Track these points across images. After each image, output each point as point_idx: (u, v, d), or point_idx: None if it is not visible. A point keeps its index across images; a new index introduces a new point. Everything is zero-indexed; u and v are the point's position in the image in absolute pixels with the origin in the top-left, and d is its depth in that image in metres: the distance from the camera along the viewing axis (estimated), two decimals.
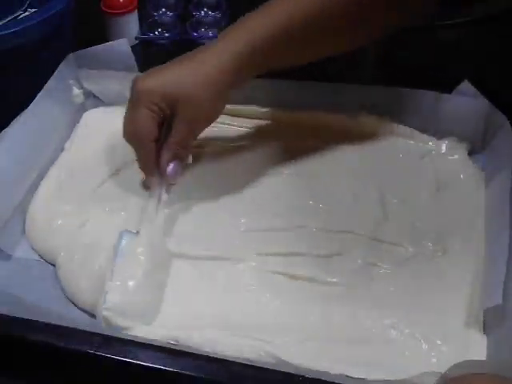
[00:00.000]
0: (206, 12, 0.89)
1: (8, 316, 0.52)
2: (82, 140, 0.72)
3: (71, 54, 0.72)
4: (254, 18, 0.59)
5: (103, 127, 0.72)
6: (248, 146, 0.70)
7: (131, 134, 0.59)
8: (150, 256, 0.56)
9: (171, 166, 0.59)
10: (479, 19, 0.83)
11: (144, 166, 0.61)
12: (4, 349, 0.52)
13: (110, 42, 0.73)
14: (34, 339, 0.50)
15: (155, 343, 0.51)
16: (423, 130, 0.69)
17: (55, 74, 0.70)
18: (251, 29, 0.59)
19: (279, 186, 0.66)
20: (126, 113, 0.60)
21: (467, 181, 0.66)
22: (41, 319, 0.51)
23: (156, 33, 0.87)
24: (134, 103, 0.58)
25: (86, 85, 0.74)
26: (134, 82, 0.59)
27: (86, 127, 0.73)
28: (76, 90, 0.74)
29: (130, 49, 0.72)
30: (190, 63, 0.59)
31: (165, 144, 0.59)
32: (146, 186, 0.64)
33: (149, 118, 0.58)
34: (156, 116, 0.58)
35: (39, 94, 0.67)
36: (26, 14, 0.78)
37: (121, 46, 0.72)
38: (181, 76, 0.58)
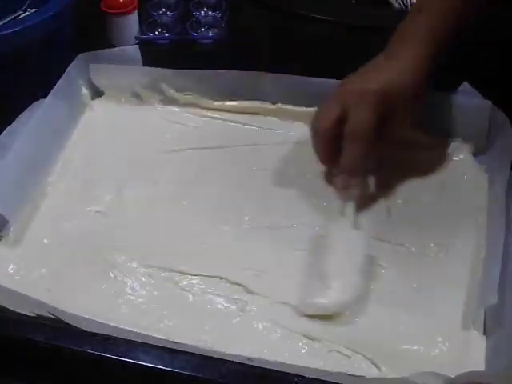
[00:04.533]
0: (205, 12, 0.89)
1: (8, 316, 0.52)
2: (89, 138, 0.72)
3: (81, 55, 0.72)
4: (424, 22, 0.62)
5: (110, 125, 0.73)
6: (251, 144, 0.71)
7: (351, 132, 0.59)
8: None
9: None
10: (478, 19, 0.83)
11: (354, 166, 0.61)
12: (4, 349, 0.52)
13: (120, 47, 0.74)
14: (34, 339, 0.50)
15: (155, 343, 0.51)
16: (427, 130, 0.69)
17: (65, 74, 0.70)
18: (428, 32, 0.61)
19: (282, 185, 0.66)
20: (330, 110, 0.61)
21: (471, 181, 0.66)
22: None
23: (156, 33, 0.87)
24: (356, 103, 0.59)
25: (94, 80, 0.74)
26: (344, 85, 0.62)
27: (93, 125, 0.73)
28: (84, 90, 0.74)
29: (139, 55, 0.74)
30: (388, 64, 0.61)
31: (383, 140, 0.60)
32: (336, 184, 0.63)
33: (373, 118, 0.58)
34: (378, 116, 0.59)
35: (49, 95, 0.68)
36: (26, 13, 0.78)
37: (131, 51, 0.74)
38: (393, 75, 0.60)
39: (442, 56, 0.63)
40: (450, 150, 0.68)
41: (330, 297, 0.55)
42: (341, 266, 0.57)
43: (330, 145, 0.61)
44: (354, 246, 0.59)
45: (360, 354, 0.53)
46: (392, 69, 0.61)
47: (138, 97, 0.75)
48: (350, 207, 0.61)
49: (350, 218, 0.61)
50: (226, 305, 0.56)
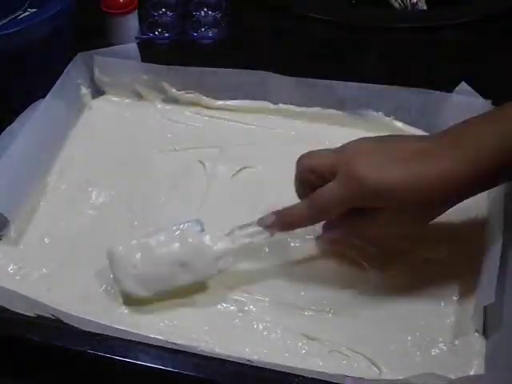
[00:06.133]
0: (205, 12, 0.89)
1: (8, 316, 0.52)
2: (89, 138, 0.72)
3: (79, 55, 0.72)
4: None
5: (110, 125, 0.73)
6: (252, 144, 0.71)
7: (314, 198, 0.53)
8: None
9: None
10: (478, 19, 0.83)
11: (287, 224, 0.55)
12: (4, 349, 0.52)
13: (118, 46, 0.74)
14: (34, 339, 0.50)
15: (155, 343, 0.51)
16: (427, 130, 0.69)
17: (63, 74, 0.70)
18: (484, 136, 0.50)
19: (282, 185, 0.66)
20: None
21: None
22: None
23: (156, 33, 0.87)
24: (344, 179, 0.51)
25: (97, 73, 0.74)
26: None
27: (93, 125, 0.73)
28: (84, 90, 0.74)
29: (138, 53, 0.73)
30: (415, 164, 0.50)
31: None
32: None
33: (343, 206, 0.52)
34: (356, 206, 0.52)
35: (48, 95, 0.68)
36: (26, 13, 0.78)
37: (129, 50, 0.73)
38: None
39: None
40: None
41: None
42: None
43: (301, 182, 0.56)
44: None
45: (360, 354, 0.53)
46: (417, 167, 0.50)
47: (138, 95, 0.75)
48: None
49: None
50: (225, 305, 0.56)
